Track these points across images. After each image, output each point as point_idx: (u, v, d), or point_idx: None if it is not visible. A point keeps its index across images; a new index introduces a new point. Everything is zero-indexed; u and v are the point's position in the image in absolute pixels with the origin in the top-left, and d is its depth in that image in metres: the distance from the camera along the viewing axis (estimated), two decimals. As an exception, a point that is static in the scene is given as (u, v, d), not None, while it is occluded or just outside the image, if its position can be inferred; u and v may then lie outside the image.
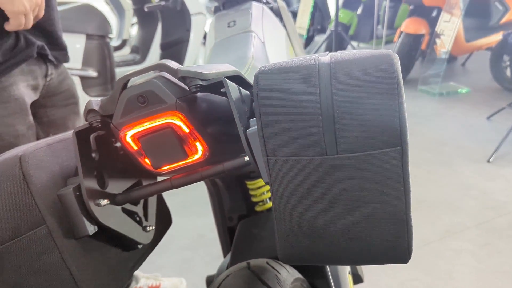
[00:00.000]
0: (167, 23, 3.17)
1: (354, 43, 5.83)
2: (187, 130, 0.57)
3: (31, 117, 0.88)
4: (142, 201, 0.73)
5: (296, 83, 0.46)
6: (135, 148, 0.59)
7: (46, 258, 0.54)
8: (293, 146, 0.47)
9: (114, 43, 4.19)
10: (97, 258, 0.61)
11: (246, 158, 0.57)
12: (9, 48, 0.81)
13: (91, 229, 0.58)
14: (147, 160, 0.59)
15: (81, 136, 0.59)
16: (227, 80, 0.56)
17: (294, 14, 5.87)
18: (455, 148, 2.76)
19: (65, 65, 2.69)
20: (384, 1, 4.89)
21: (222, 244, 1.15)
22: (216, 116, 0.61)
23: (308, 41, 5.76)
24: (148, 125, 0.56)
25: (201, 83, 0.55)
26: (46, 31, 0.89)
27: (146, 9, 2.66)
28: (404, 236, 0.47)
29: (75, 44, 2.59)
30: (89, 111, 0.57)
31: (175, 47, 3.08)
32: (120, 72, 3.43)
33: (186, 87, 0.56)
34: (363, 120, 0.44)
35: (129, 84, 0.57)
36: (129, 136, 0.57)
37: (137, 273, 1.44)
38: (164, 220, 0.82)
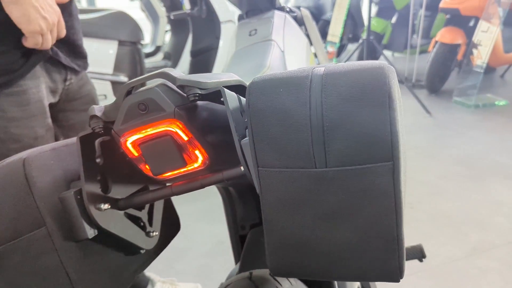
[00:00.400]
0: (197, 31, 3.22)
1: (388, 53, 5.75)
2: (186, 138, 0.57)
3: (49, 120, 0.91)
4: (147, 207, 0.74)
5: (287, 94, 0.46)
6: (136, 154, 0.59)
7: (45, 260, 0.56)
8: (283, 157, 0.46)
9: (148, 49, 4.29)
10: (97, 261, 0.62)
11: (243, 168, 0.56)
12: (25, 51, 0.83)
13: (91, 232, 0.59)
14: (147, 167, 0.60)
15: (86, 141, 0.60)
16: (226, 89, 0.56)
17: (328, 23, 5.85)
18: (489, 163, 2.65)
19: (98, 69, 2.74)
20: (420, 10, 4.80)
21: (234, 252, 1.14)
22: (217, 125, 0.61)
23: (341, 49, 5.72)
24: (147, 132, 0.57)
25: (200, 92, 0.55)
26: (69, 40, 0.91)
27: (172, 17, 2.71)
28: (394, 254, 0.45)
29: (108, 50, 2.66)
30: (91, 117, 0.58)
31: (204, 54, 3.12)
32: (152, 77, 3.50)
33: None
34: (353, 133, 0.43)
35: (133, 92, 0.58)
36: (130, 142, 0.58)
37: (153, 276, 1.46)
38: (171, 226, 0.83)
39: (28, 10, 0.75)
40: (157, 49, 4.33)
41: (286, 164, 0.46)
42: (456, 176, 2.50)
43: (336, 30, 5.41)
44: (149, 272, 1.47)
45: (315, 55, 1.56)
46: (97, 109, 0.59)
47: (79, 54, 0.98)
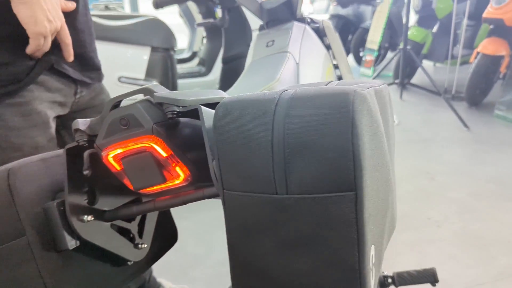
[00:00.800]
0: (229, 38, 3.24)
1: (429, 63, 5.58)
2: (165, 155, 0.57)
3: (52, 130, 0.93)
4: (138, 218, 0.74)
5: (252, 117, 0.45)
6: (118, 168, 0.60)
7: (23, 269, 0.57)
8: (246, 181, 0.45)
9: (185, 54, 4.37)
10: (78, 272, 0.63)
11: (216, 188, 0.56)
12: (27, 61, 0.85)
13: (72, 243, 0.60)
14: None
15: (74, 153, 0.61)
16: (204, 107, 0.56)
17: (367, 31, 5.75)
18: (527, 182, 2.52)
19: (130, 74, 2.79)
20: (463, 19, 4.63)
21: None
22: (199, 142, 0.61)
23: (379, 58, 5.60)
24: (127, 147, 0.57)
25: (177, 110, 0.55)
26: (76, 53, 0.93)
27: (195, 26, 2.75)
28: None
29: (141, 56, 2.73)
30: (75, 130, 0.59)
31: (235, 62, 3.14)
32: (186, 83, 3.56)
33: None
34: (314, 161, 0.42)
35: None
36: (111, 156, 0.59)
37: (164, 283, 1.47)
38: (167, 237, 0.83)
39: (36, 11, 0.77)
40: (194, 54, 4.39)
41: (249, 188, 0.45)
42: (489, 194, 2.39)
43: (375, 37, 5.32)
44: (160, 278, 1.48)
45: (336, 67, 1.54)
46: (81, 123, 0.60)
47: (91, 67, 1.00)
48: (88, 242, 0.62)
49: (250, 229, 0.46)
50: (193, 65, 4.23)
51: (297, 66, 1.19)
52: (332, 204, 0.42)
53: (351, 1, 6.16)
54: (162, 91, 0.58)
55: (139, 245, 0.72)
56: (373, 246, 0.47)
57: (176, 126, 0.59)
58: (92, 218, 0.63)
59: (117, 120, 0.57)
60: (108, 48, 2.64)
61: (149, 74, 2.76)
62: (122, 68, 2.69)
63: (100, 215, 0.65)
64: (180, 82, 3.36)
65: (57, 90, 0.93)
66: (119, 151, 0.58)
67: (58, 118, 0.99)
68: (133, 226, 0.73)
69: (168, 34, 2.83)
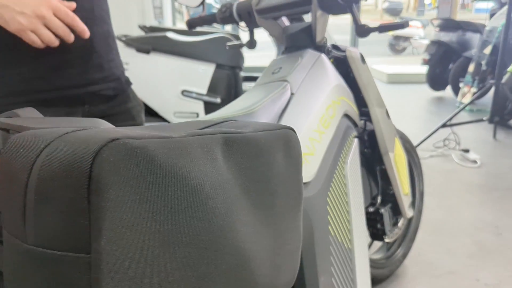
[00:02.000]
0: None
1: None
2: None
3: None
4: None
5: (21, 156, 0.42)
6: None
7: None
8: (11, 224, 0.42)
9: (269, 72, 4.42)
10: None
11: None
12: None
13: None
14: None
15: None
16: None
17: (469, 60, 5.28)
18: None
19: (193, 89, 2.86)
20: None
21: None
22: None
23: (480, 89, 5.08)
24: None
25: None
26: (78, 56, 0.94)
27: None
28: None
29: (206, 72, 2.82)
30: None
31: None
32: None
33: None
34: (55, 214, 0.37)
35: None
36: None
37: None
38: None
39: (0, 13, 0.78)
40: (277, 72, 4.42)
41: (11, 230, 0.42)
42: None
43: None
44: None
45: (360, 98, 1.42)
46: None
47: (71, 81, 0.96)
48: None
49: (12, 278, 0.43)
50: (273, 83, 4.25)
51: (291, 96, 1.13)
52: (67, 265, 0.37)
53: (457, 27, 5.71)
54: (28, 116, 0.58)
55: None
56: None
57: None
58: None
59: None
60: (175, 62, 2.77)
61: (211, 90, 2.83)
62: (186, 82, 2.79)
63: None
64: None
65: (68, 115, 0.95)
66: None
67: None
68: None
69: (235, 53, 2.88)
